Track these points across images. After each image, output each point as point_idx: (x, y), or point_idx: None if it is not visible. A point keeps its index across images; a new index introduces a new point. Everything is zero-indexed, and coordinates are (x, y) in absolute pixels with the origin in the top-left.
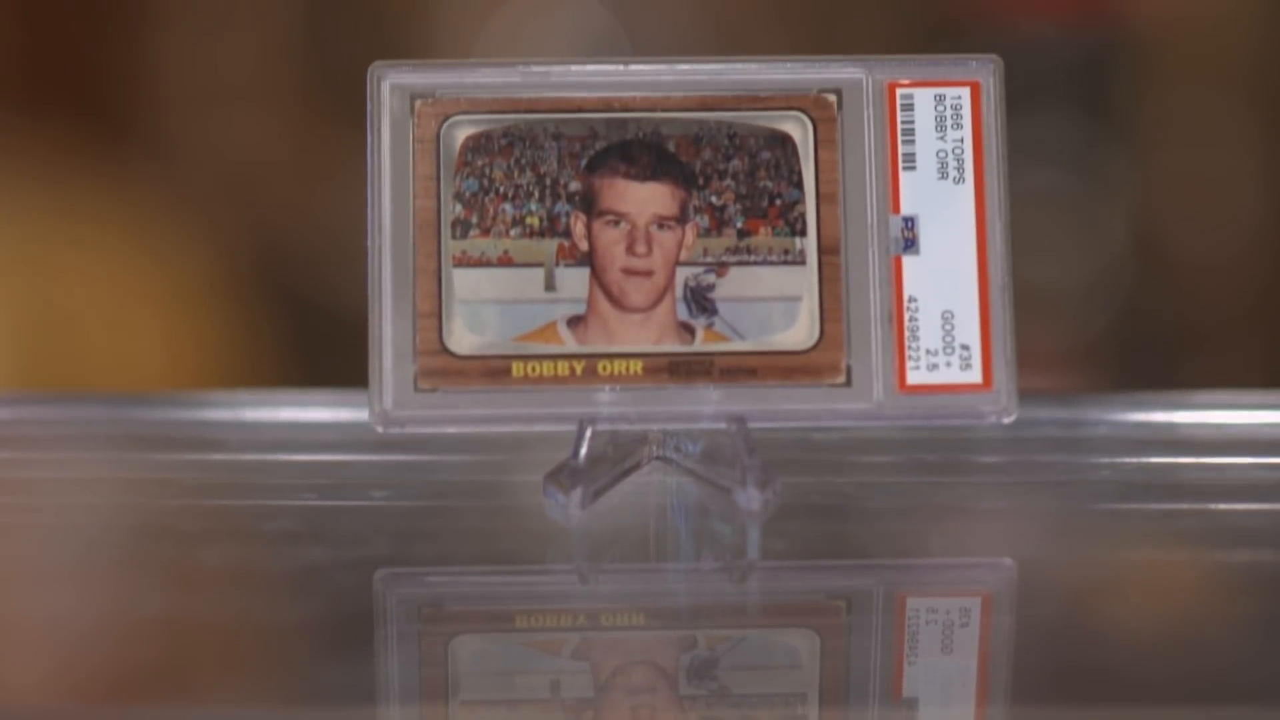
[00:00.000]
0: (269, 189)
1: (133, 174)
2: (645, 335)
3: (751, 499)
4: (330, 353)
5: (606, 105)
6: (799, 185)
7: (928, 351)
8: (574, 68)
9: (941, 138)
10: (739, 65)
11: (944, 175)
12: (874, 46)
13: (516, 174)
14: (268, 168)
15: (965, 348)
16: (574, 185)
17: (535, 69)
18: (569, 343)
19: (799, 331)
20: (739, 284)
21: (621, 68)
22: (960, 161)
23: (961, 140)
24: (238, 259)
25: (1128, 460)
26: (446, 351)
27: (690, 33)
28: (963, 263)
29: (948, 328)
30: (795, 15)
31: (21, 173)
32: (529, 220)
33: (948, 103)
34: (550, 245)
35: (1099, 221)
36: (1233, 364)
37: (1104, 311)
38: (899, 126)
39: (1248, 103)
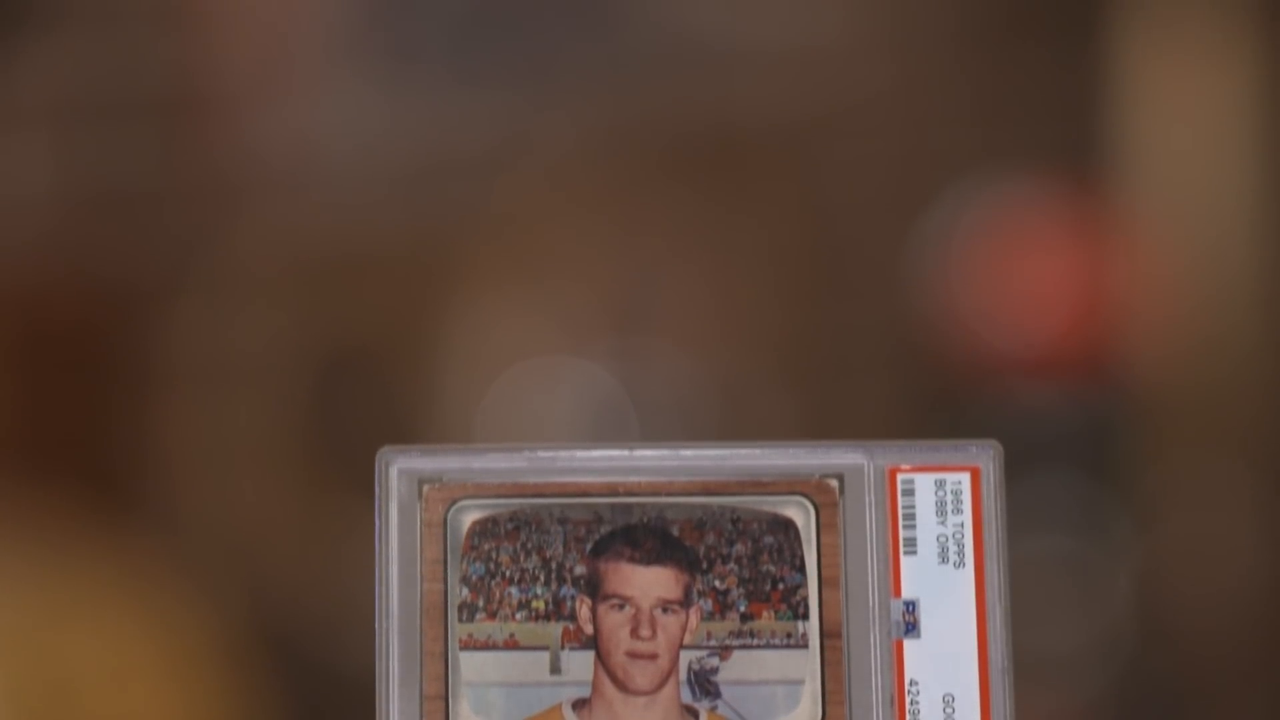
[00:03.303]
0: (273, 559)
1: (136, 542)
2: (649, 719)
3: None
4: None
5: (611, 490)
6: (801, 569)
7: None
8: (579, 453)
9: (942, 522)
10: (742, 450)
11: (944, 560)
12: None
13: (522, 558)
14: (272, 537)
15: None
16: (579, 569)
17: (541, 454)
18: None
19: (802, 714)
20: (742, 667)
21: (626, 453)
22: (960, 546)
23: (962, 525)
24: (242, 629)
25: None
26: None
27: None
28: (964, 646)
29: (949, 710)
30: (799, 383)
31: (22, 540)
32: (535, 604)
33: (948, 488)
34: (555, 629)
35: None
36: None
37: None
38: (900, 512)
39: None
